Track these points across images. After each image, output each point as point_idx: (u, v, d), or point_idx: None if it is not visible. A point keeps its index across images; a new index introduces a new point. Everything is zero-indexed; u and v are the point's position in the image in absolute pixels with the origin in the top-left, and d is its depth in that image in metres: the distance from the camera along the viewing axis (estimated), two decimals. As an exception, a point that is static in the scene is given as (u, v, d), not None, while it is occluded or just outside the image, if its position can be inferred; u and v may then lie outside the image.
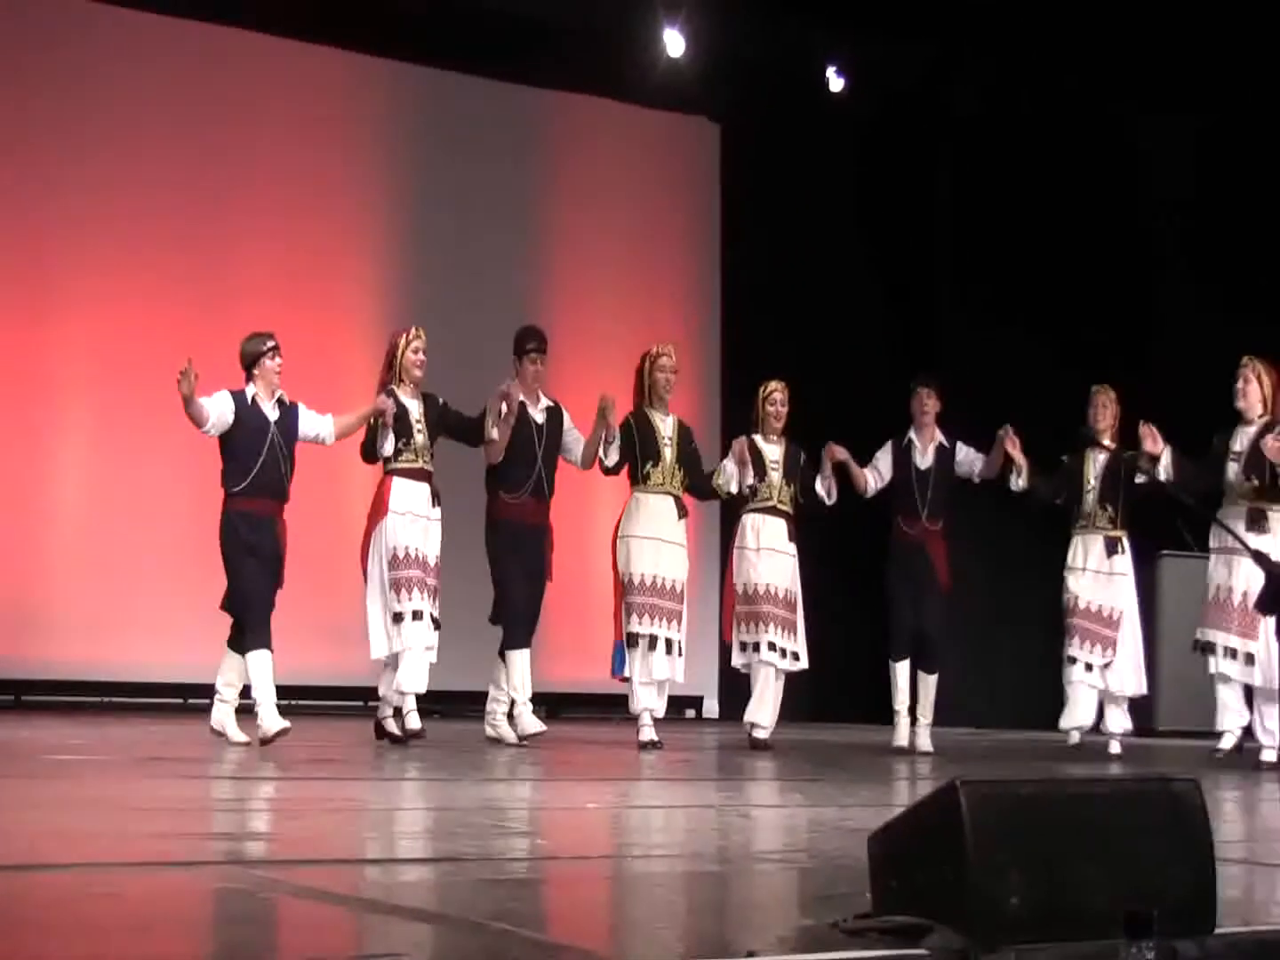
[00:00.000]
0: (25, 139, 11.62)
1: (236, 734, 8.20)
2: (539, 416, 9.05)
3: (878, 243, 13.26)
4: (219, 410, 8.15)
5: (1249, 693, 9.02)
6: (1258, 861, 4.25)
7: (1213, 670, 9.05)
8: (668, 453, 9.13)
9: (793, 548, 9.45)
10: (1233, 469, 8.92)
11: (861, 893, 3.17)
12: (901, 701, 9.60)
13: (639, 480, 9.12)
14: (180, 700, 11.29)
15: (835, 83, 13.31)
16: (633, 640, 8.99)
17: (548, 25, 12.57)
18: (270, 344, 8.33)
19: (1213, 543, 9.10)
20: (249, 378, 8.32)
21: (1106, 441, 9.53)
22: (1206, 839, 3.20)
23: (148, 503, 11.24)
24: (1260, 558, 3.34)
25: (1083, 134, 13.05)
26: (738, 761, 8.64)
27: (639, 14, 12.28)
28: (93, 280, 11.68)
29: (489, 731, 9.10)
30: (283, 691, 10.61)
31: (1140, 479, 9.24)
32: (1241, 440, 8.97)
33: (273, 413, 8.30)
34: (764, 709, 9.34)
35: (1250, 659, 8.85)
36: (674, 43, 12.47)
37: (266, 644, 8.18)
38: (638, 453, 9.07)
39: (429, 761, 7.94)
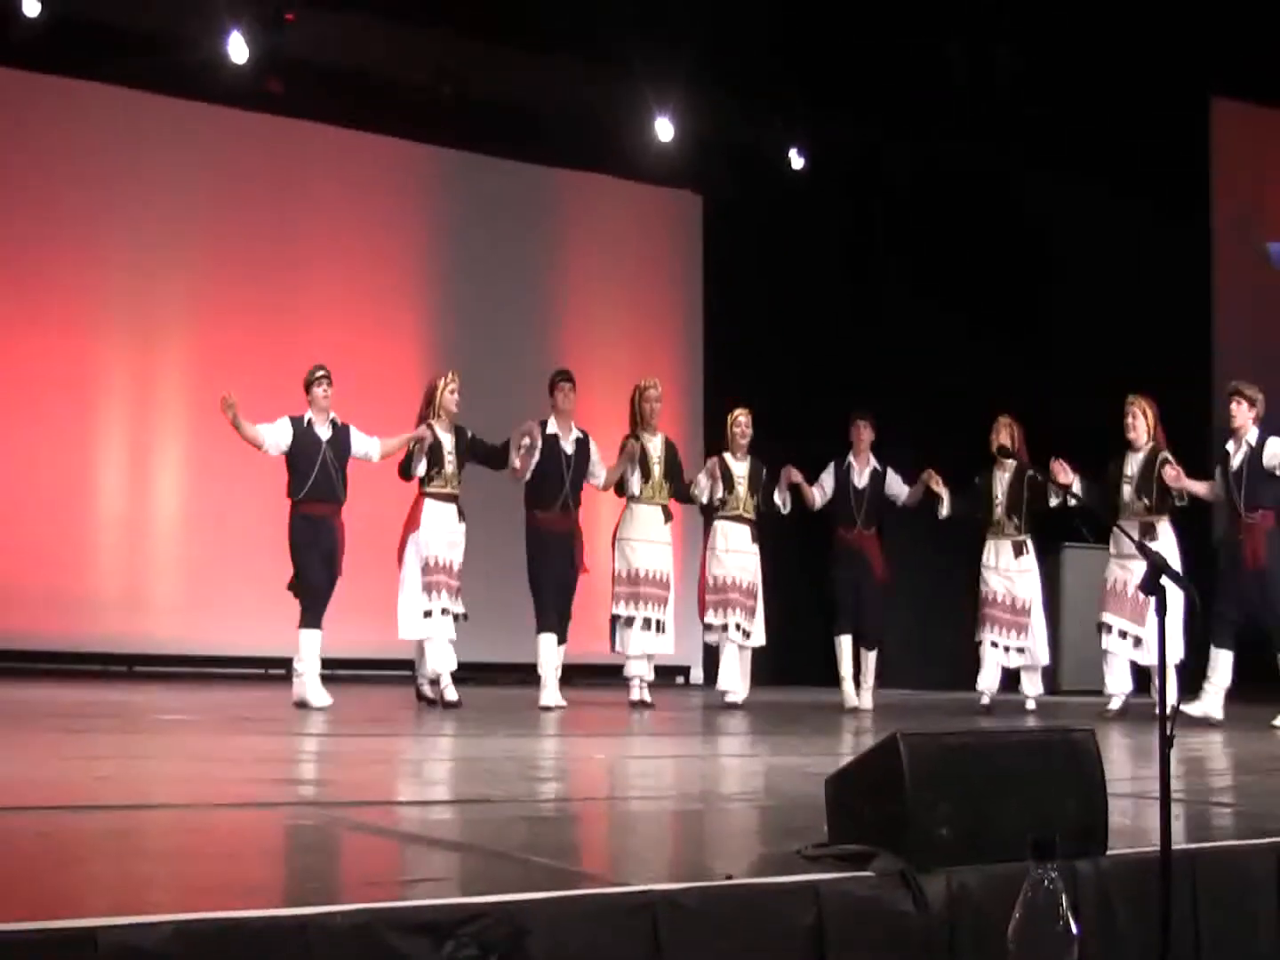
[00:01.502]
0: (145, 219, 11.69)
1: (320, 698, 8.20)
2: (569, 448, 9.03)
3: (829, 291, 13.26)
4: (275, 435, 8.34)
5: (1135, 664, 9.12)
6: (1140, 795, 4.25)
7: (1104, 646, 9.15)
8: (656, 470, 9.21)
9: (755, 548, 9.51)
10: (1127, 490, 8.97)
11: (819, 826, 3.18)
12: (845, 669, 9.73)
13: (634, 494, 9.22)
14: (262, 670, 11.31)
15: (796, 161, 13.31)
16: (617, 621, 9.15)
17: (559, 115, 12.58)
18: (319, 374, 8.45)
19: (1112, 549, 9.13)
20: (308, 403, 8.47)
21: (1010, 461, 9.56)
22: (1099, 778, 3.22)
23: (232, 508, 11.26)
24: (1143, 549, 3.34)
25: (985, 197, 13.09)
26: (715, 719, 8.63)
27: (636, 106, 12.28)
28: (200, 330, 11.79)
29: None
30: (341, 663, 10.75)
31: (1054, 501, 9.37)
32: (1132, 465, 9.00)
33: (325, 432, 8.44)
34: (732, 678, 9.38)
35: (1139, 641, 8.96)
36: (664, 129, 12.46)
37: (316, 624, 8.31)
38: (633, 472, 9.17)
39: (463, 720, 7.93)
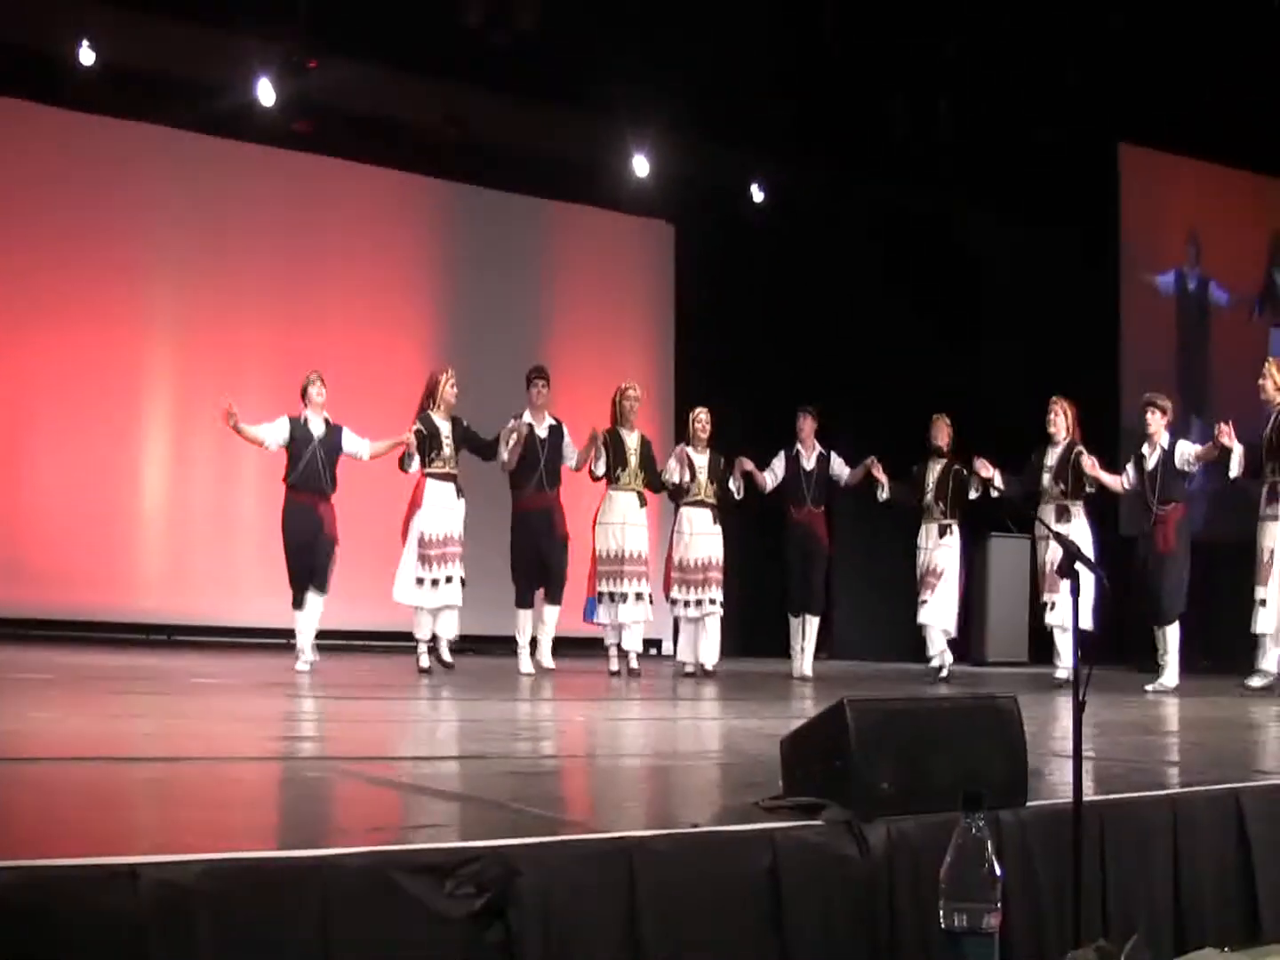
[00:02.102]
0: (187, 240, 11.64)
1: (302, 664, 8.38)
2: (543, 433, 8.97)
3: (785, 309, 13.25)
4: (274, 433, 8.41)
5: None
6: (1056, 754, 4.26)
7: (1049, 622, 9.12)
8: (632, 460, 9.20)
9: (718, 529, 9.49)
10: (1046, 478, 9.09)
11: (775, 781, 3.17)
12: (798, 643, 9.74)
13: (611, 481, 9.19)
14: (284, 641, 11.21)
15: (757, 195, 13.31)
16: (602, 597, 9.12)
17: (549, 153, 12.54)
18: (313, 377, 8.53)
19: (1039, 532, 9.31)
20: (304, 404, 8.52)
21: (943, 456, 9.66)
22: (1021, 739, 3.22)
23: (261, 496, 11.17)
24: (1059, 537, 3.35)
25: (926, 230, 13.15)
26: (683, 687, 8.61)
27: (615, 146, 12.26)
28: (231, 334, 11.73)
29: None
30: (347, 634, 10.80)
31: (974, 494, 9.41)
32: (1052, 457, 9.12)
33: (318, 429, 8.48)
34: (696, 648, 9.40)
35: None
36: (640, 166, 12.45)
37: (299, 605, 8.48)
38: (611, 461, 9.14)
39: (460, 686, 7.91)
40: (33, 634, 10.61)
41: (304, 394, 8.56)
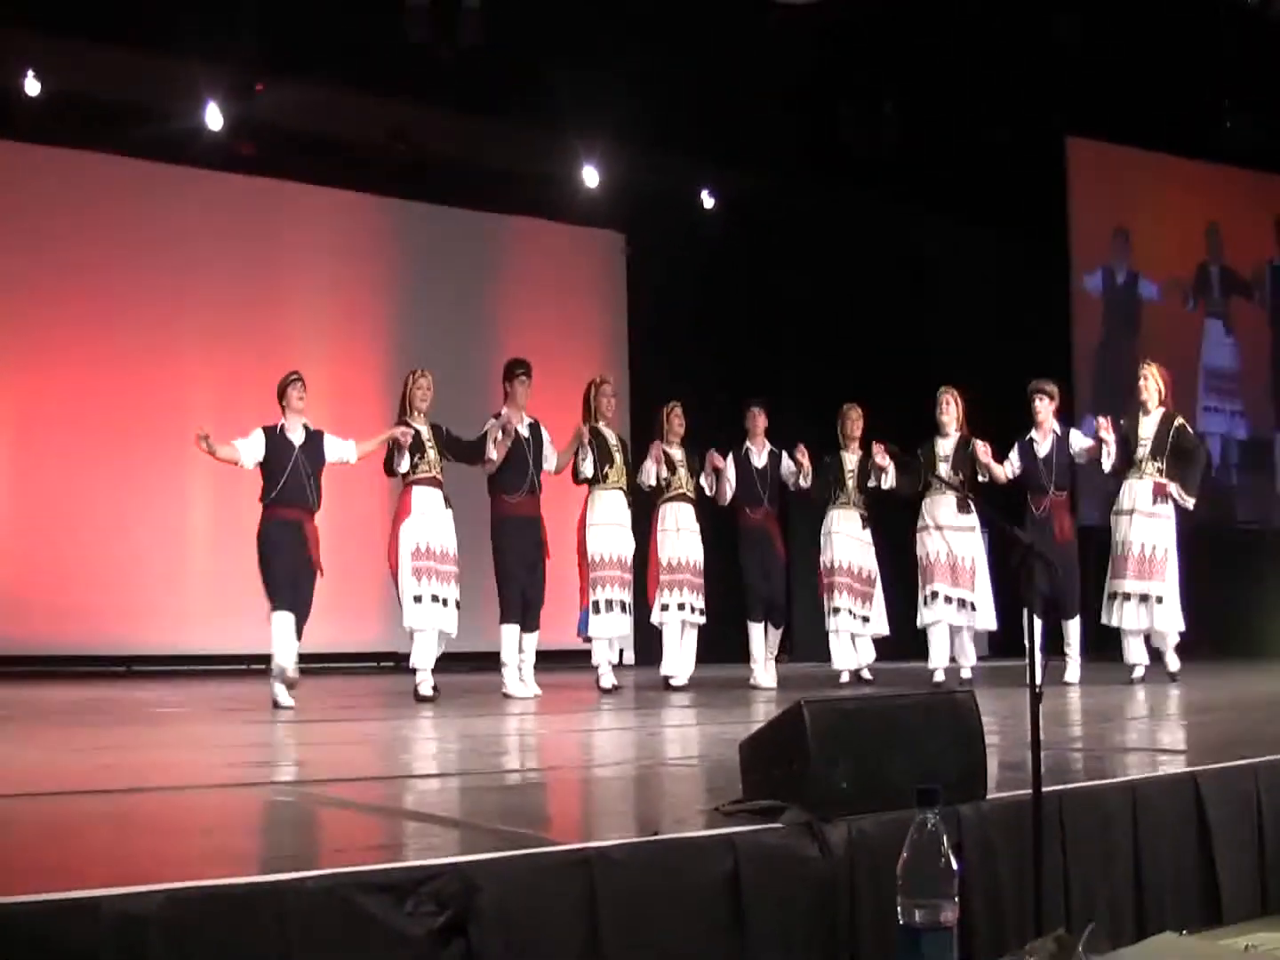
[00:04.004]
0: (149, 268, 11.63)
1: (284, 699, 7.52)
2: (525, 431, 8.35)
3: (737, 315, 13.31)
4: (249, 449, 7.61)
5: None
6: (1015, 745, 4.29)
7: (937, 616, 8.81)
8: (618, 457, 8.72)
9: (698, 527, 9.07)
10: (944, 469, 8.81)
11: (734, 785, 3.19)
12: (759, 650, 9.30)
13: (599, 480, 8.66)
14: (245, 667, 11.13)
15: (708, 201, 13.36)
16: (597, 606, 8.56)
17: (499, 167, 12.55)
18: (293, 378, 7.75)
19: (928, 521, 8.89)
20: (282, 409, 7.78)
21: (856, 448, 9.43)
22: (979, 733, 3.25)
23: (221, 520, 11.15)
24: (1010, 529, 3.38)
25: (872, 231, 13.25)
26: (649, 696, 8.36)
27: (565, 157, 12.28)
28: (178, 354, 11.69)
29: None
30: (326, 657, 10.50)
31: (873, 482, 9.15)
32: (945, 448, 8.91)
33: (298, 438, 7.72)
34: (675, 661, 8.91)
35: (968, 605, 8.76)
36: (590, 176, 12.48)
37: (280, 607, 7.55)
38: (596, 459, 8.63)
39: (428, 704, 7.84)
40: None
41: (281, 396, 7.76)
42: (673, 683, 8.84)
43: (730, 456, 9.34)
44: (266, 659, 7.59)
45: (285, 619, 7.47)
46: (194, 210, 11.84)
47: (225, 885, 2.28)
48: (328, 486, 7.89)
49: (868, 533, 9.38)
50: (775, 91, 11.84)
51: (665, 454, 8.97)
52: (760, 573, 9.26)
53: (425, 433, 8.09)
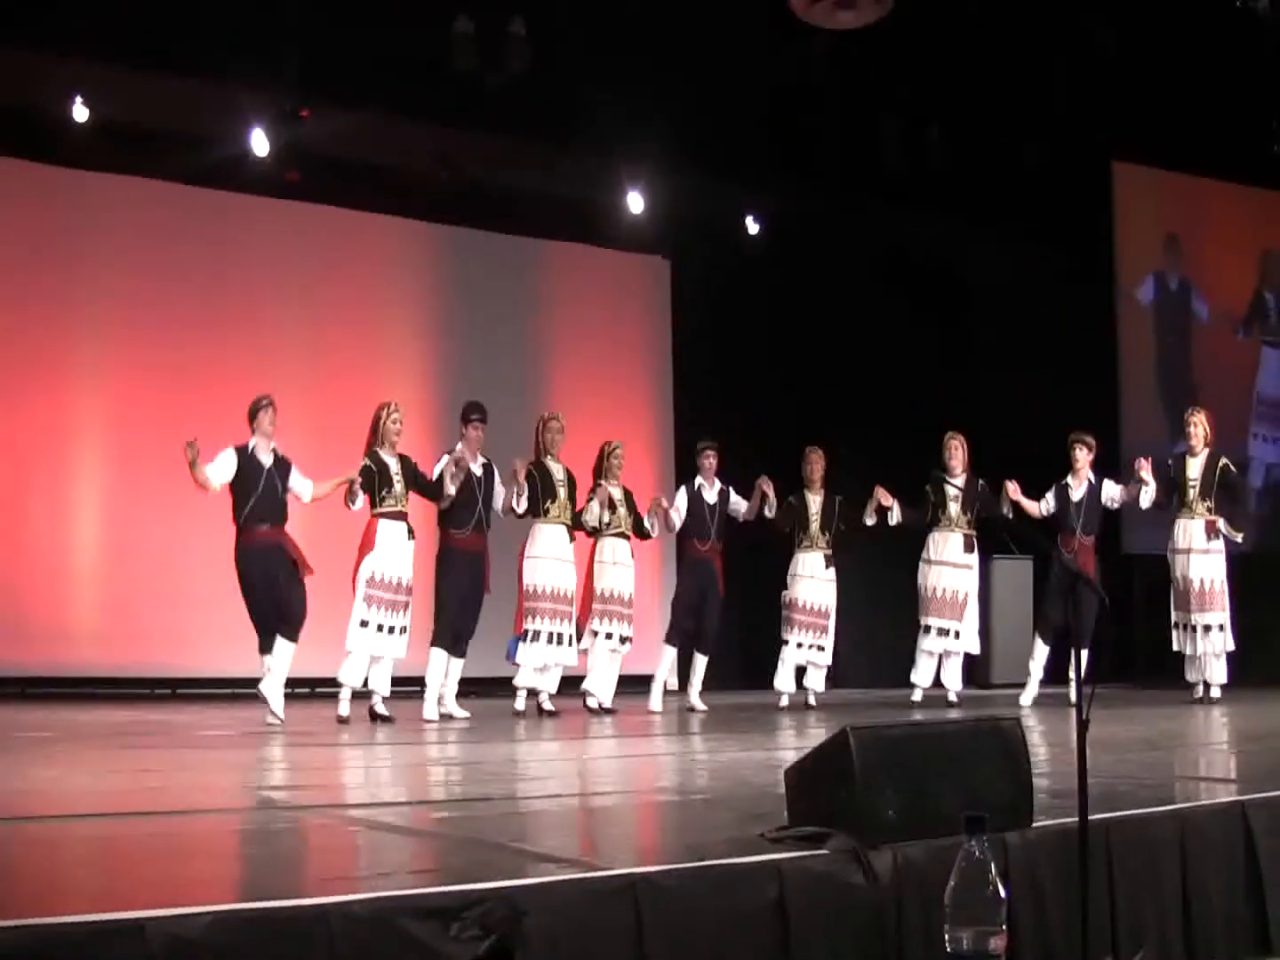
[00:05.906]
0: (184, 290, 11.59)
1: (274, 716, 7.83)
2: (478, 471, 8.67)
3: (783, 340, 13.27)
4: (219, 470, 7.76)
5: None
6: (1061, 773, 4.26)
7: (926, 647, 9.73)
8: (561, 492, 8.97)
9: (632, 561, 9.38)
10: (953, 508, 9.62)
11: (779, 811, 3.18)
12: (663, 674, 9.66)
13: (540, 514, 8.90)
14: (290, 691, 11.09)
15: (752, 227, 13.36)
16: (526, 635, 8.79)
17: (543, 193, 12.58)
18: (264, 402, 7.99)
19: (933, 555, 9.70)
20: (252, 430, 7.99)
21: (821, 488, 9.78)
22: (1025, 760, 3.23)
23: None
24: (1063, 559, 3.38)
25: (920, 255, 13.25)
26: (670, 719, 8.48)
27: (610, 183, 12.32)
28: (227, 379, 11.69)
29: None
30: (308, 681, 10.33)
31: (871, 520, 9.60)
32: (953, 488, 9.51)
33: (267, 459, 7.94)
34: (604, 681, 9.17)
35: (957, 634, 9.66)
36: (635, 202, 12.50)
37: (268, 649, 7.87)
38: (538, 493, 8.85)
39: (458, 730, 7.83)
40: (30, 692, 10.52)
41: (252, 419, 7.94)
42: (589, 703, 9.16)
43: (682, 490, 9.76)
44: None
45: (270, 660, 7.84)
46: (239, 236, 11.93)
47: (271, 908, 2.30)
48: (323, 518, 8.22)
49: (831, 570, 9.76)
50: (820, 114, 11.88)
51: (607, 494, 9.26)
52: (696, 600, 9.59)
53: (394, 465, 8.31)
